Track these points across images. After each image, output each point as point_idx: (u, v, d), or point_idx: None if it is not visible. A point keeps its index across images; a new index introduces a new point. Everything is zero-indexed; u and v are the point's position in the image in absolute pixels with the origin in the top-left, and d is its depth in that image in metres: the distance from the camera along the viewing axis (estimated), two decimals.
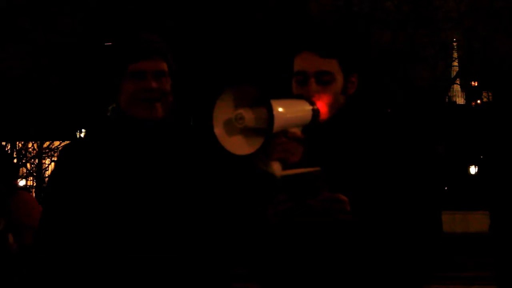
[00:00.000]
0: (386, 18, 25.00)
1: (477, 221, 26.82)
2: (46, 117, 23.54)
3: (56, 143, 26.01)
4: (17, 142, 26.05)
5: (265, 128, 2.06)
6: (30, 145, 26.44)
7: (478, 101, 36.05)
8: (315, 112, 2.30)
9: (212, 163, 2.48)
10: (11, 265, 3.84)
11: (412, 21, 25.15)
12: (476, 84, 35.16)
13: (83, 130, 25.18)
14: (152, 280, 2.38)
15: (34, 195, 23.18)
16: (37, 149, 26.60)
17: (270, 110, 2.04)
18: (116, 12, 22.02)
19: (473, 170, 35.53)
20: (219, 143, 2.11)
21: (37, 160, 27.50)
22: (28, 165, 27.18)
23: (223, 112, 2.11)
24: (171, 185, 2.43)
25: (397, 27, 25.11)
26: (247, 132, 2.11)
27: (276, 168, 2.17)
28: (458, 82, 33.53)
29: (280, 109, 2.10)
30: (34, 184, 28.31)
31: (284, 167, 2.19)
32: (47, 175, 26.24)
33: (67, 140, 20.32)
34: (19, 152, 25.99)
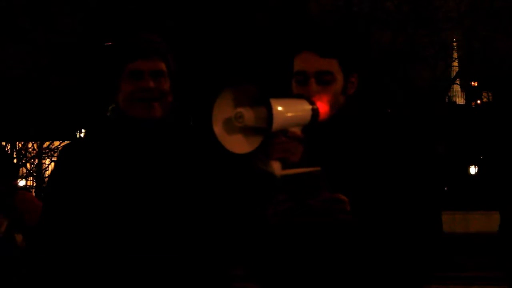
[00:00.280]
0: (386, 18, 25.00)
1: (477, 221, 26.84)
2: (46, 117, 23.56)
3: (56, 143, 26.04)
4: (17, 142, 26.08)
5: (265, 127, 2.06)
6: (30, 145, 26.47)
7: (478, 101, 36.09)
8: (315, 112, 2.30)
9: (211, 163, 2.48)
10: (11, 265, 3.84)
11: (412, 21, 25.14)
12: (476, 84, 35.19)
13: (83, 130, 25.20)
14: (152, 280, 2.38)
15: (34, 195, 23.16)
16: (37, 149, 26.63)
17: (269, 109, 2.04)
18: (116, 12, 22.03)
19: (473, 170, 35.54)
20: (219, 142, 2.11)
21: (37, 160, 27.53)
22: (28, 165, 27.20)
23: (223, 111, 2.11)
24: (170, 184, 2.43)
25: (397, 27, 25.11)
26: (247, 131, 2.11)
27: (276, 167, 2.16)
28: (458, 82, 33.54)
29: (280, 108, 2.10)
30: (34, 184, 28.33)
31: (284, 167, 2.19)
32: (47, 175, 26.25)
33: (67, 140, 20.32)
34: (19, 152, 26.02)
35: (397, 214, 2.33)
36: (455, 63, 30.53)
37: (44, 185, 24.92)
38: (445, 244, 2.42)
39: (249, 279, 2.48)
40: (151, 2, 22.14)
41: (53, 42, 22.95)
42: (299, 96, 2.34)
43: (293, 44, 2.49)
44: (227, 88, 2.11)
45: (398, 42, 25.41)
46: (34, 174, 27.96)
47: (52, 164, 24.68)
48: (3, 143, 24.00)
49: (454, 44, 28.76)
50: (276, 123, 2.05)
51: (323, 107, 2.34)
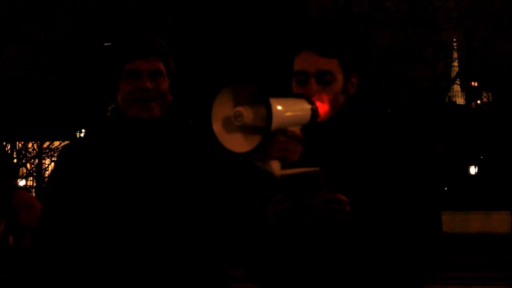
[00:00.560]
0: (386, 18, 25.02)
1: (477, 221, 26.87)
2: (46, 117, 23.57)
3: (56, 143, 26.06)
4: (17, 142, 26.09)
5: (264, 126, 2.06)
6: (30, 145, 26.48)
7: (478, 101, 36.07)
8: (314, 112, 2.29)
9: (211, 162, 2.48)
10: (10, 265, 3.84)
11: (412, 21, 25.17)
12: (476, 84, 35.17)
13: (83, 130, 25.21)
14: (151, 280, 2.37)
15: (34, 195, 23.18)
16: (37, 149, 26.64)
17: (268, 108, 2.04)
18: (116, 12, 22.04)
19: (473, 170, 35.54)
20: (218, 141, 2.10)
21: (37, 160, 27.55)
22: (28, 165, 27.22)
23: (222, 109, 2.10)
24: (169, 184, 2.43)
25: (397, 27, 25.13)
26: (246, 130, 2.11)
27: (275, 167, 2.16)
28: (458, 82, 33.56)
29: (279, 107, 2.10)
30: (34, 184, 28.36)
31: (283, 166, 2.18)
32: (47, 175, 26.27)
33: (67, 140, 20.32)
34: (19, 152, 26.03)
35: (397, 214, 2.32)
36: (455, 63, 30.57)
37: (44, 185, 24.94)
38: (445, 244, 2.42)
39: (248, 280, 2.47)
40: (151, 2, 22.16)
41: (53, 42, 22.98)
42: (298, 96, 2.34)
43: (293, 44, 2.48)
44: (226, 87, 2.11)
45: (398, 42, 25.44)
46: (34, 174, 27.97)
47: (52, 164, 24.69)
48: (3, 143, 24.01)
49: (454, 44, 28.80)
50: (275, 122, 2.05)
51: (323, 107, 2.33)
